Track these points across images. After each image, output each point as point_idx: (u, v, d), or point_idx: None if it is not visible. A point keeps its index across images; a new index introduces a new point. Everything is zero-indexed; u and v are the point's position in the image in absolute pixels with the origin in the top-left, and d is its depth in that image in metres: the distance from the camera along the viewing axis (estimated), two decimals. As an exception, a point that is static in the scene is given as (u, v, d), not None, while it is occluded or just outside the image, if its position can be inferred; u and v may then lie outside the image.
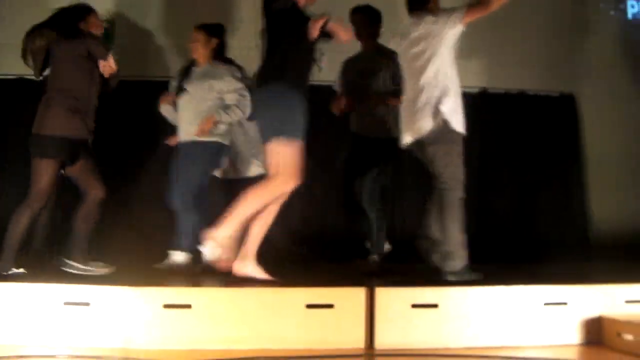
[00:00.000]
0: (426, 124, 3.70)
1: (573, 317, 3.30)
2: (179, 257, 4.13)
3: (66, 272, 3.76)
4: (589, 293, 3.35)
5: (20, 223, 3.66)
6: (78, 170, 3.86)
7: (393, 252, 4.50)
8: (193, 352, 3.01)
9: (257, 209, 3.49)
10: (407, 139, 3.85)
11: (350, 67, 4.60)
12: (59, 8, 4.06)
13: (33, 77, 4.07)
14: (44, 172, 3.71)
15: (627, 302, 3.37)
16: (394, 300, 3.20)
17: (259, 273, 3.55)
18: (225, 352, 2.99)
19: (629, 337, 3.09)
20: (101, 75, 3.90)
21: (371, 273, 4.11)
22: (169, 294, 3.13)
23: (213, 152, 4.23)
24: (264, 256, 3.64)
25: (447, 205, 3.66)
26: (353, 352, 3.09)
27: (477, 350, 3.12)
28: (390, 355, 3.06)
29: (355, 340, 3.15)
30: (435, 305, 3.21)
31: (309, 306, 3.14)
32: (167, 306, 3.08)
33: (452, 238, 3.64)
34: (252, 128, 4.30)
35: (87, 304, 3.08)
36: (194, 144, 4.19)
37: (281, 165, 3.44)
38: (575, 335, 3.30)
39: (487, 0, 3.61)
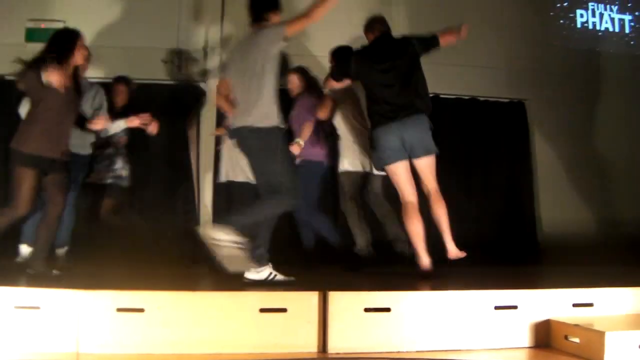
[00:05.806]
0: None
1: (523, 320, 3.37)
2: None
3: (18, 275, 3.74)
4: (538, 297, 3.43)
5: None
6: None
7: None
8: (146, 356, 3.00)
9: None
10: None
11: None
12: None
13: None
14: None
15: (575, 305, 3.46)
16: (347, 304, 3.22)
17: None
18: (178, 357, 2.99)
19: (575, 340, 3.17)
20: None
21: None
22: (122, 298, 3.10)
23: None
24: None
25: None
26: (306, 356, 3.10)
27: (429, 353, 3.17)
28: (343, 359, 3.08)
29: (309, 344, 3.17)
30: (387, 309, 3.25)
31: (263, 310, 3.15)
32: (120, 310, 3.07)
33: None
34: None
35: (37, 308, 3.05)
36: None
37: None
38: (524, 339, 3.37)
39: (308, 12, 3.64)
